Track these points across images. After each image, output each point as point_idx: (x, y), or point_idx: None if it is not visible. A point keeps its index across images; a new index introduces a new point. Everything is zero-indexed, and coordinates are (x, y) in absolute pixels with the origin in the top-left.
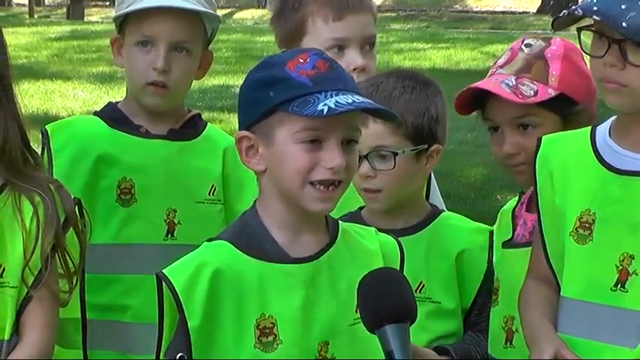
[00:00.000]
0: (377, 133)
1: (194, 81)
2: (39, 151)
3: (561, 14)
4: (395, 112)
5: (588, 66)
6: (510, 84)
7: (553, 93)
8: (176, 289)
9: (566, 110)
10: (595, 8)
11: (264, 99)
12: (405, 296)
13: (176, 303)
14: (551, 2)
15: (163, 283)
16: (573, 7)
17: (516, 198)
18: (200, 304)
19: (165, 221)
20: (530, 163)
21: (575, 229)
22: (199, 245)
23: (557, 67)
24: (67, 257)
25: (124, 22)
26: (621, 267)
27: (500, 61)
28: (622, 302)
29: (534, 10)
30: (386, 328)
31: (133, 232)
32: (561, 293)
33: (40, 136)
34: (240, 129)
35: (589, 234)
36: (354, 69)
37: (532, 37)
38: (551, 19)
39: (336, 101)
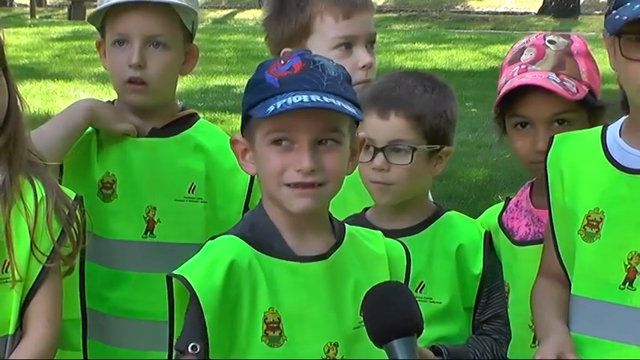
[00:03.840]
0: (397, 128)
1: (197, 82)
2: None
3: (630, 18)
4: (415, 111)
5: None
6: (557, 80)
7: (586, 89)
8: (192, 284)
9: (592, 106)
10: None
11: (244, 102)
12: (411, 309)
13: (192, 299)
14: (553, 3)
15: (176, 281)
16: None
17: (497, 206)
18: (217, 298)
19: (145, 219)
20: None
21: (583, 227)
22: (178, 243)
23: (584, 64)
24: (74, 232)
25: (102, 24)
26: (629, 265)
27: (527, 58)
28: (630, 301)
29: (536, 11)
30: (394, 342)
31: (112, 227)
32: (571, 291)
33: None
34: None
35: (596, 232)
36: (363, 66)
37: (550, 34)
38: (552, 20)
39: (285, 102)
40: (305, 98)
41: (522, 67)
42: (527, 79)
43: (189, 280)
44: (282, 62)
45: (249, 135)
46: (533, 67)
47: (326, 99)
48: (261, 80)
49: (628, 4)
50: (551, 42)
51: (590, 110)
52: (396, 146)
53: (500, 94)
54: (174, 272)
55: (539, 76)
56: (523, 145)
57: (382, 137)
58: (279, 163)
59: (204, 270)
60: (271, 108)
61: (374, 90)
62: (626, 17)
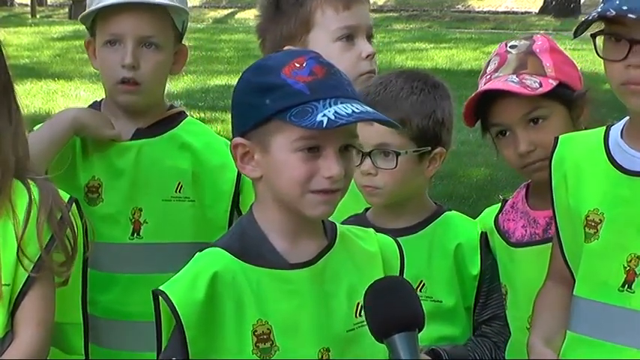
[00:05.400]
0: (382, 132)
1: (198, 81)
2: None
3: (590, 17)
4: (399, 115)
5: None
6: (515, 81)
7: (554, 83)
8: (172, 300)
9: (567, 98)
10: (625, 7)
11: (260, 106)
12: (413, 304)
13: (173, 314)
14: (553, 2)
15: (160, 297)
16: (600, 10)
17: (494, 207)
18: (198, 313)
19: (131, 220)
20: (547, 158)
21: (582, 227)
22: (166, 243)
23: (548, 58)
24: (68, 240)
25: (93, 23)
26: (628, 268)
27: (491, 68)
28: (629, 303)
29: (536, 11)
30: (395, 337)
31: (99, 231)
32: (573, 292)
33: None
34: (233, 134)
35: (594, 233)
36: (367, 56)
37: (512, 39)
38: (553, 20)
39: (335, 112)
40: (355, 108)
41: (487, 77)
42: (485, 86)
43: (170, 296)
44: (298, 65)
45: (260, 139)
46: (496, 74)
47: (368, 108)
48: (281, 84)
49: (602, 5)
50: (513, 47)
51: (566, 102)
52: (383, 150)
53: (464, 107)
54: (159, 288)
55: (498, 80)
56: (509, 153)
57: (368, 141)
58: (306, 170)
59: (185, 285)
60: (323, 119)
61: (360, 94)
62: (585, 18)
